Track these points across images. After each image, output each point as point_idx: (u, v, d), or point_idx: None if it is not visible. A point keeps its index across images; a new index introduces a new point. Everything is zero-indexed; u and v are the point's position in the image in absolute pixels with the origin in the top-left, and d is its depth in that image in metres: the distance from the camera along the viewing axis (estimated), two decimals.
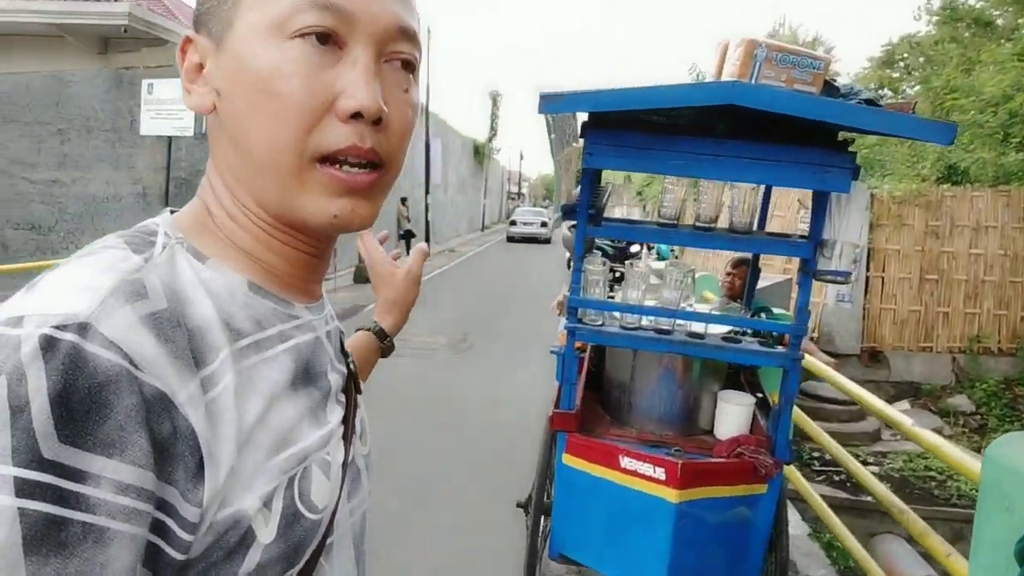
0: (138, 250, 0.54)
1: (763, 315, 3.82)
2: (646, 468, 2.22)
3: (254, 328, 0.58)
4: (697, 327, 2.43)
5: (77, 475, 0.44)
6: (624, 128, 2.05)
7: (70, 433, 0.43)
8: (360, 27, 0.56)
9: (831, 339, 9.67)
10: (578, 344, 2.54)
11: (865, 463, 6.99)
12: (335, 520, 0.63)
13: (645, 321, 2.48)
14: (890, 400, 9.61)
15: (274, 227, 0.61)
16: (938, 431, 8.37)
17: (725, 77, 2.07)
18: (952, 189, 10.03)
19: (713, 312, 2.51)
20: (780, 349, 2.36)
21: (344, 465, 0.64)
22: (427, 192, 21.12)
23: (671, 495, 2.16)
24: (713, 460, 2.32)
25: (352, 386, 0.71)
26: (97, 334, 0.46)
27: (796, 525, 4.14)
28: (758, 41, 2.01)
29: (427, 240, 20.90)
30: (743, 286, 4.15)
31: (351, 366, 0.73)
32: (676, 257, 11.08)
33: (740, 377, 2.92)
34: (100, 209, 10.10)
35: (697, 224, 2.30)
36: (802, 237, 2.30)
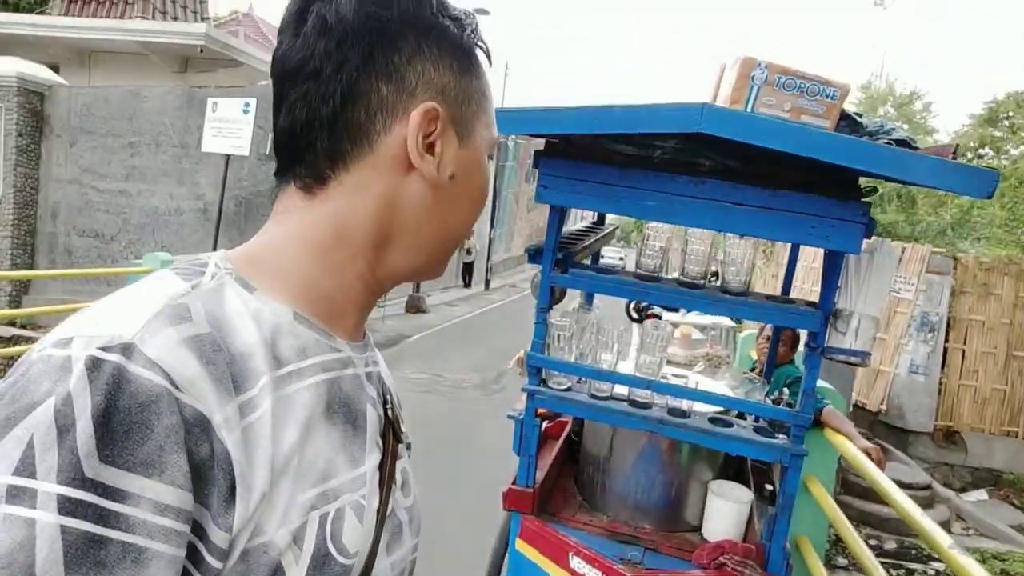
0: (187, 278, 0.56)
1: (787, 390, 3.33)
2: (594, 574, 1.81)
3: (297, 356, 0.59)
4: (684, 402, 2.02)
5: (117, 494, 0.45)
6: (586, 159, 1.69)
7: (111, 453, 0.45)
8: None
9: (901, 414, 8.81)
10: (542, 411, 2.17)
11: (929, 558, 6.23)
12: (372, 573, 0.61)
13: (622, 390, 2.09)
14: (964, 488, 8.65)
15: (371, 271, 0.65)
16: (1019, 528, 7.45)
17: (719, 103, 1.70)
18: None
19: (699, 387, 2.08)
20: (780, 440, 1.92)
21: (382, 514, 0.63)
22: (492, 226, 21.02)
23: None
24: (670, 571, 1.88)
25: (391, 433, 0.70)
26: (140, 355, 0.47)
27: None
28: (756, 60, 1.63)
29: (487, 275, 20.74)
30: (788, 353, 3.66)
31: (390, 412, 0.71)
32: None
33: (746, 465, 2.46)
34: (161, 222, 10.34)
35: (682, 279, 1.90)
36: (810, 305, 1.86)
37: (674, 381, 2.04)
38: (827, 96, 1.65)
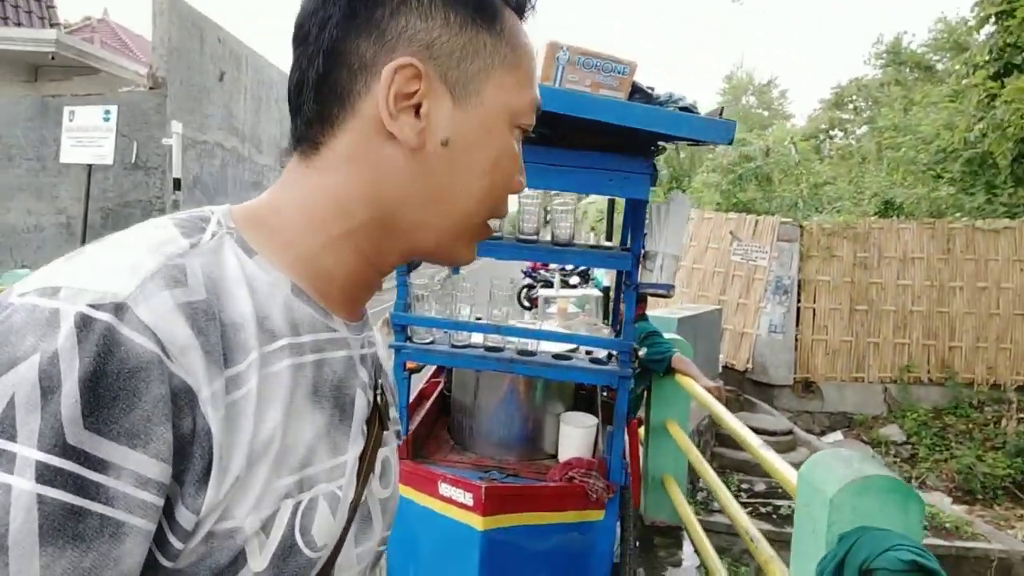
0: (187, 234, 0.53)
1: (646, 340, 3.74)
2: (458, 494, 2.09)
3: (289, 331, 0.56)
4: (531, 344, 2.33)
5: (99, 464, 0.42)
6: None
7: (96, 420, 0.42)
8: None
9: (765, 370, 9.68)
10: (411, 364, 2.42)
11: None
12: (336, 563, 0.59)
13: (478, 339, 2.37)
14: (823, 431, 9.61)
15: (376, 248, 0.61)
16: None
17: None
18: (879, 221, 10.24)
19: (548, 328, 2.41)
20: (609, 366, 2.27)
21: (355, 505, 0.60)
22: None
23: (477, 522, 2.02)
24: (526, 484, 2.19)
25: (377, 420, 0.66)
26: (133, 317, 0.44)
27: (689, 557, 4.01)
28: (559, 44, 1.95)
29: None
30: (640, 308, 4.08)
31: (379, 399, 0.68)
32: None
33: (596, 398, 2.81)
34: (19, 239, 9.78)
35: (520, 236, 2.21)
36: (624, 249, 2.22)
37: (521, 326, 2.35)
38: (619, 72, 1.99)
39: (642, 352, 2.71)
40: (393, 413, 0.74)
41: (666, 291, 2.13)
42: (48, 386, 0.41)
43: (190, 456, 0.47)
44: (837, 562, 1.57)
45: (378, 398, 0.68)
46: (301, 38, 0.59)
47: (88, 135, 8.59)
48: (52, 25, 11.77)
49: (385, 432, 0.68)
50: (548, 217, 2.36)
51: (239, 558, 0.50)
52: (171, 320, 0.46)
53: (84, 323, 0.43)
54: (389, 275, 0.70)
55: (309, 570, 0.55)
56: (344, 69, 0.58)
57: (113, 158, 8.55)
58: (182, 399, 0.46)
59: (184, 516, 0.47)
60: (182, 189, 10.25)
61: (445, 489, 2.15)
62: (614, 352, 2.25)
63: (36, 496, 0.40)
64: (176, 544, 0.48)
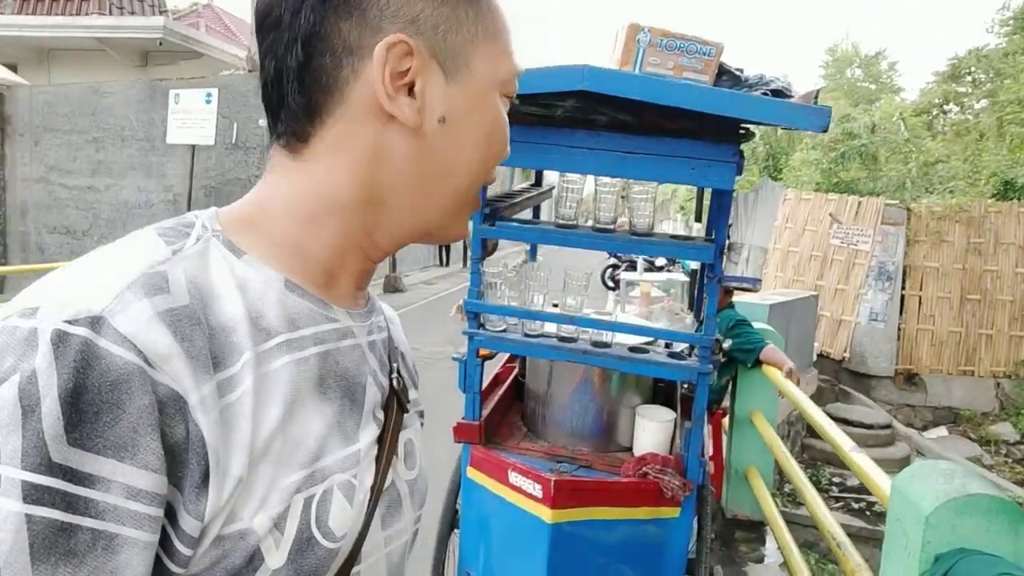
0: (170, 241, 0.53)
1: (733, 330, 3.60)
2: (527, 484, 2.06)
3: (286, 327, 0.55)
4: (606, 335, 2.26)
5: (86, 479, 0.42)
6: None
7: (80, 435, 0.42)
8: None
9: (863, 360, 9.20)
10: (484, 351, 2.41)
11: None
12: (363, 549, 0.59)
13: (552, 328, 2.33)
14: (926, 426, 9.06)
15: (368, 236, 0.61)
16: (976, 460, 7.86)
17: (615, 66, 1.92)
18: (997, 204, 9.45)
19: (623, 320, 2.33)
20: (689, 361, 2.17)
21: (377, 490, 0.60)
22: None
23: (545, 514, 1.99)
24: (598, 478, 2.14)
25: (394, 403, 0.66)
26: (111, 329, 0.44)
27: (771, 553, 3.86)
28: (640, 25, 1.86)
29: (465, 252, 20.93)
30: (724, 298, 3.93)
31: (395, 382, 0.67)
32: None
33: (675, 392, 2.72)
34: (132, 215, 10.43)
35: (596, 225, 2.14)
36: (707, 240, 2.11)
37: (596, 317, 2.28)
38: (704, 54, 1.88)
39: (727, 343, 2.59)
40: (413, 394, 0.73)
41: (752, 285, 2.03)
42: (28, 405, 0.41)
43: (186, 463, 0.47)
44: None
45: (395, 382, 0.67)
46: (271, 25, 0.56)
47: (192, 117, 9.05)
48: (160, 12, 12.39)
49: (406, 415, 0.68)
50: (627, 204, 2.29)
51: (255, 557, 0.50)
52: (151, 329, 0.46)
53: (60, 339, 0.43)
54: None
55: (330, 560, 0.55)
56: (327, 55, 0.55)
57: (215, 139, 8.96)
58: (170, 407, 0.46)
59: (188, 523, 0.47)
60: None
61: (515, 478, 2.13)
62: (694, 345, 2.16)
63: (24, 516, 0.40)
64: (184, 551, 0.48)
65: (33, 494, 0.41)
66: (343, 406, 0.59)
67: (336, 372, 0.59)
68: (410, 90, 0.56)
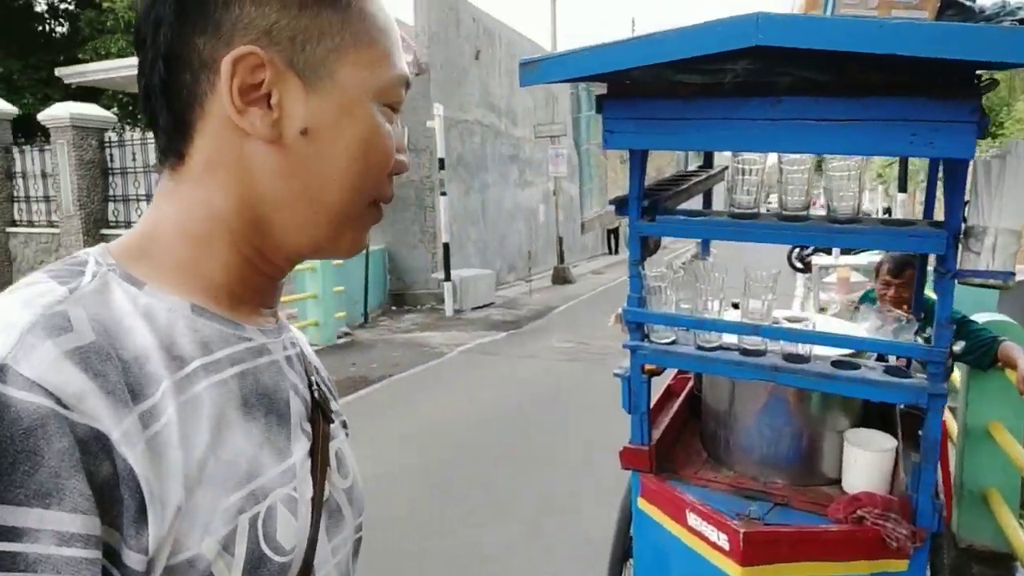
0: (64, 281, 0.51)
1: (959, 331, 2.95)
2: (710, 531, 1.73)
3: (201, 351, 0.55)
4: (801, 347, 1.86)
5: (12, 533, 0.41)
6: (649, 96, 1.57)
7: (0, 489, 0.41)
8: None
9: None
10: (650, 367, 2.09)
11: None
12: (314, 561, 0.59)
13: (732, 338, 1.96)
14: None
15: (259, 253, 0.60)
16: None
17: (798, 11, 1.53)
18: None
19: (825, 330, 1.89)
20: (916, 379, 1.71)
21: (318, 502, 0.61)
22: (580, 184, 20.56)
23: (735, 571, 1.64)
24: (799, 526, 1.74)
25: (319, 415, 0.66)
26: (16, 375, 0.43)
27: None
28: None
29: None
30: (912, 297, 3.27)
31: (316, 394, 0.68)
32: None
33: (894, 412, 2.23)
34: None
35: (782, 212, 1.74)
36: (934, 225, 1.63)
37: (789, 326, 1.88)
38: None
39: (957, 347, 2.08)
40: (335, 405, 0.73)
41: (1003, 281, 1.53)
42: None
43: (119, 499, 0.46)
44: None
45: (315, 393, 0.67)
46: (139, 43, 0.57)
47: None
48: None
49: (332, 425, 0.69)
50: (821, 183, 1.85)
51: None
52: (59, 369, 0.45)
53: None
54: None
55: (285, 574, 0.55)
56: (186, 71, 0.55)
57: None
58: (93, 445, 0.45)
59: (132, 558, 0.46)
60: (446, 168, 10.89)
61: (694, 521, 1.81)
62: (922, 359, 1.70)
63: None
64: None
65: None
66: (270, 422, 0.59)
67: (257, 390, 0.59)
68: (269, 101, 0.55)
